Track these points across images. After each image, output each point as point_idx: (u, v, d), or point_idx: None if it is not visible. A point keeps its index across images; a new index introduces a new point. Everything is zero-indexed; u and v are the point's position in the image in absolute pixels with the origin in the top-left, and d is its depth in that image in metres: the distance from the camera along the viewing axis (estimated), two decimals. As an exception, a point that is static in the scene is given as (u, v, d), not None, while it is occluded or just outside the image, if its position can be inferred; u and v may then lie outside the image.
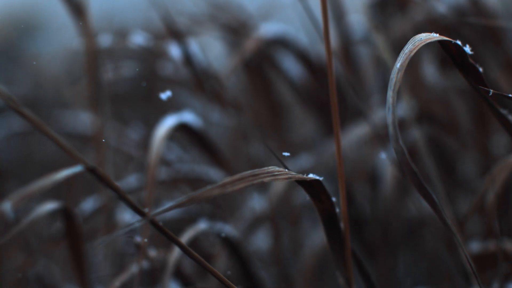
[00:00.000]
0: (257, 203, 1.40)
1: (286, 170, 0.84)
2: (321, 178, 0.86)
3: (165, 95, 1.07)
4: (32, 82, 2.43)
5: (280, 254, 1.39)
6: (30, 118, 0.74)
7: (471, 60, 0.86)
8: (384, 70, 1.54)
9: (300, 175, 0.85)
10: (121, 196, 0.76)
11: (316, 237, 1.44)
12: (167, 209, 0.77)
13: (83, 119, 1.57)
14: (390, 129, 0.77)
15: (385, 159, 1.41)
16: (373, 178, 1.44)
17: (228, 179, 0.78)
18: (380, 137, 1.37)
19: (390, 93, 0.79)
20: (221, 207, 1.40)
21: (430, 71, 1.48)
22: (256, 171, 0.80)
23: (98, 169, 0.76)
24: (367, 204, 1.44)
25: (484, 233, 1.24)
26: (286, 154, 0.91)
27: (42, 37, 3.12)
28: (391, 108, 0.78)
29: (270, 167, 0.82)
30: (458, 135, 1.45)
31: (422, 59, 1.48)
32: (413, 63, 1.46)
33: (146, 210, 0.79)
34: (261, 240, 1.53)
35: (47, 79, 2.44)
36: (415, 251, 1.48)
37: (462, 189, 1.45)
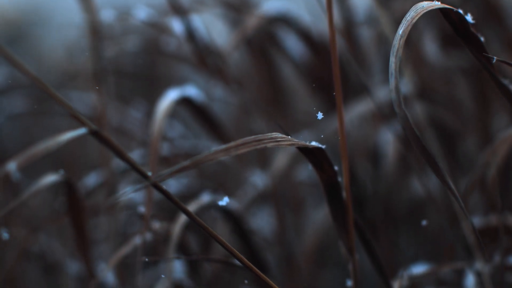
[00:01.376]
0: (259, 180, 1.40)
1: (289, 137, 0.84)
2: (323, 146, 0.86)
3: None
4: (37, 68, 2.44)
5: (283, 231, 1.40)
6: (48, 90, 0.74)
7: (472, 29, 0.86)
8: (385, 52, 1.54)
9: (303, 142, 0.85)
10: (124, 158, 0.76)
11: (318, 217, 1.44)
12: (172, 173, 0.77)
13: (86, 100, 1.57)
14: (393, 94, 0.77)
15: (387, 136, 1.41)
16: (374, 155, 1.44)
17: (232, 143, 0.78)
18: (381, 115, 1.37)
19: (392, 59, 0.79)
20: (223, 184, 1.40)
21: (432, 50, 1.48)
22: (260, 136, 0.80)
23: (101, 132, 0.76)
24: (368, 182, 1.44)
25: (485, 209, 1.24)
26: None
27: (47, 30, 3.16)
28: (394, 73, 0.78)
29: (273, 133, 0.82)
30: (460, 115, 1.45)
31: (424, 38, 1.48)
32: (415, 41, 1.46)
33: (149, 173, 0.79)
34: (263, 221, 1.54)
35: (52, 65, 2.45)
36: (417, 228, 1.48)
37: (463, 170, 1.45)
